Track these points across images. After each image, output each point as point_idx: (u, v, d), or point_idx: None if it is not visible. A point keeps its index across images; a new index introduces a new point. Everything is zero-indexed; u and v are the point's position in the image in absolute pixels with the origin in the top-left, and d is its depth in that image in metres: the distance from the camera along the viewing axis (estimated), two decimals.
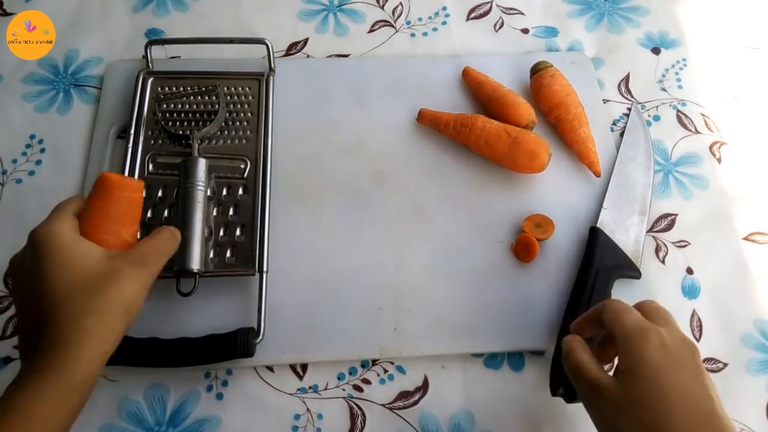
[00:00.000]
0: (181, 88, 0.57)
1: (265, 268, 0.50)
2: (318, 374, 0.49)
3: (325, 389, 0.49)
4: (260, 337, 0.47)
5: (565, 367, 0.40)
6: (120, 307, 0.34)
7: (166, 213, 0.52)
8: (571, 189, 0.57)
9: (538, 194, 0.56)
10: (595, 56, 0.66)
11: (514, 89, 0.59)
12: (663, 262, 0.55)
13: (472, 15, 0.68)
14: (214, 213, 0.52)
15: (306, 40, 0.66)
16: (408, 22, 0.67)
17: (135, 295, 0.35)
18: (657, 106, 0.63)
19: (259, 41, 0.60)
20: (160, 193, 0.53)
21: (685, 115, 0.63)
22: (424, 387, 0.49)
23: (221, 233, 0.51)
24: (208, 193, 0.53)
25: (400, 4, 0.69)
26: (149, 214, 0.52)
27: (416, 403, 0.48)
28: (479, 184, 0.57)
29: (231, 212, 0.52)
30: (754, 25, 0.69)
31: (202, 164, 0.50)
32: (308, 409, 0.48)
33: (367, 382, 0.49)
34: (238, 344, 0.46)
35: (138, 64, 0.61)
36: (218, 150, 0.55)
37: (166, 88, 0.58)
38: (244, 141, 0.55)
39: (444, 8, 0.69)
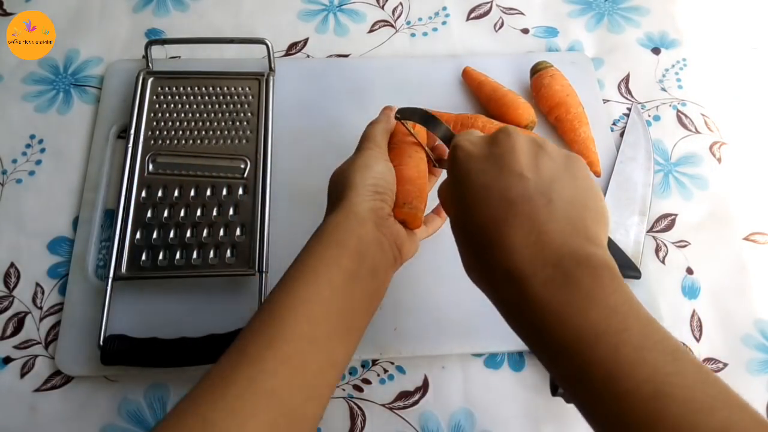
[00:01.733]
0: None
1: (265, 268, 0.50)
2: None
3: None
4: None
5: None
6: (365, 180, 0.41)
7: (166, 213, 0.52)
8: None
9: None
10: (595, 56, 0.66)
11: (514, 89, 0.59)
12: (663, 262, 0.55)
13: (472, 15, 0.68)
14: (215, 213, 0.52)
15: (306, 40, 0.66)
16: (408, 22, 0.67)
17: (362, 166, 0.42)
18: (657, 106, 0.63)
19: (259, 41, 0.60)
20: (160, 193, 0.53)
21: (685, 115, 0.63)
22: (424, 387, 0.49)
23: (221, 233, 0.51)
24: (208, 193, 0.53)
25: (400, 4, 0.69)
26: (149, 214, 0.52)
27: (416, 403, 0.48)
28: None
29: (231, 212, 0.52)
30: (754, 25, 0.69)
31: None
32: None
33: (367, 382, 0.49)
34: None
35: (138, 64, 0.61)
36: (218, 150, 0.55)
37: (166, 88, 0.58)
38: (244, 141, 0.56)
39: (444, 8, 0.69)
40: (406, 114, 0.46)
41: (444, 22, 0.68)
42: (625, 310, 0.29)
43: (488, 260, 0.33)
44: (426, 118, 0.45)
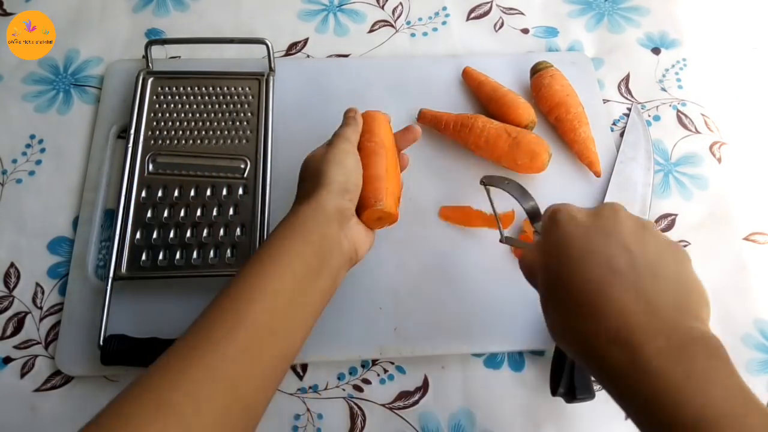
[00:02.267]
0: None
1: None
2: (318, 374, 0.49)
3: (325, 389, 0.49)
4: None
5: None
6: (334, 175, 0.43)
7: (166, 213, 0.52)
8: (571, 189, 0.57)
9: (538, 194, 0.56)
10: (595, 56, 0.66)
11: (514, 89, 0.59)
12: None
13: (472, 15, 0.68)
14: (215, 213, 0.52)
15: (306, 40, 0.66)
16: (408, 22, 0.67)
17: (334, 162, 0.43)
18: (657, 106, 0.63)
19: (259, 41, 0.60)
20: (160, 193, 0.53)
21: (685, 115, 0.63)
22: (424, 387, 0.49)
23: (221, 233, 0.51)
24: (208, 193, 0.53)
25: (400, 4, 0.69)
26: (149, 214, 0.52)
27: (416, 403, 0.48)
28: (479, 184, 0.56)
29: (231, 212, 0.52)
30: (754, 25, 0.69)
31: None
32: (308, 409, 0.48)
33: (367, 382, 0.49)
34: None
35: (138, 64, 0.61)
36: (218, 150, 0.55)
37: (166, 88, 0.58)
38: (244, 141, 0.56)
39: (444, 8, 0.69)
40: (494, 181, 0.49)
41: (444, 22, 0.68)
42: (744, 394, 0.28)
43: (590, 322, 0.32)
44: (519, 188, 0.48)
